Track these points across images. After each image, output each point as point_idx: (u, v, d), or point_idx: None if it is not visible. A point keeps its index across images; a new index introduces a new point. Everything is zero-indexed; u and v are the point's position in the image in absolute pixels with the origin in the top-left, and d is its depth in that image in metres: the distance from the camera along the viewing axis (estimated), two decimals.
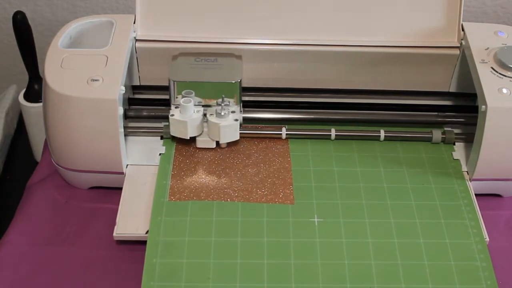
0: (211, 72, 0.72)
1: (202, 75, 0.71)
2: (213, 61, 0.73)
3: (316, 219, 0.66)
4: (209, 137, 0.72)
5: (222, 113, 0.70)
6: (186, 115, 0.70)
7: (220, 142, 0.72)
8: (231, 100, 0.71)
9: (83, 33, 0.76)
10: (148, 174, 0.70)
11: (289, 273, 0.61)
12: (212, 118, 0.70)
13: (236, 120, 0.71)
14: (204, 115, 0.71)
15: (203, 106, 0.72)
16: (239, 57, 0.74)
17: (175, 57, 0.74)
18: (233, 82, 0.71)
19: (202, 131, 0.72)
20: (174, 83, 0.71)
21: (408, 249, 0.63)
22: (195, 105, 0.71)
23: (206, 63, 0.73)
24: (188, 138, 0.71)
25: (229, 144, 0.73)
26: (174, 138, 0.74)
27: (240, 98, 0.72)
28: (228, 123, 0.70)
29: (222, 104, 0.70)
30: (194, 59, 0.73)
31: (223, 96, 0.71)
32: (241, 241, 0.63)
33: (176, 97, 0.71)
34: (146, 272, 0.61)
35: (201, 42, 0.75)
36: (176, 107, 0.71)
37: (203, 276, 0.61)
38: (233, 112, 0.71)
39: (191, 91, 0.71)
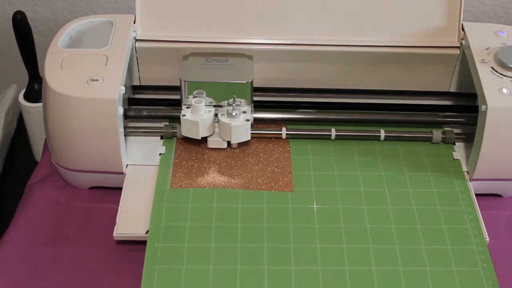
0: (222, 72, 0.72)
1: (213, 75, 0.71)
2: (224, 61, 0.73)
3: (315, 206, 0.67)
4: (221, 137, 0.72)
5: (234, 113, 0.70)
6: (197, 115, 0.70)
7: (232, 142, 0.72)
8: (243, 100, 0.71)
9: (83, 33, 0.76)
10: (148, 174, 0.70)
11: (289, 256, 0.62)
12: (223, 118, 0.70)
13: (248, 120, 0.71)
14: (216, 115, 0.71)
15: (214, 106, 0.72)
16: (250, 57, 0.74)
17: (186, 57, 0.74)
18: (245, 82, 0.71)
19: (214, 131, 0.72)
20: (185, 83, 0.71)
21: (405, 233, 0.65)
22: (206, 105, 0.71)
23: (217, 63, 0.73)
24: (200, 138, 0.71)
25: (240, 144, 0.73)
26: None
27: (252, 98, 0.72)
28: (240, 123, 0.70)
29: (234, 104, 0.70)
30: (205, 59, 0.73)
31: (234, 96, 0.71)
32: (241, 226, 0.65)
33: (187, 97, 0.71)
34: (148, 255, 0.62)
35: (201, 42, 0.75)
36: (187, 107, 0.71)
37: (204, 259, 0.62)
38: (244, 112, 0.71)
39: (202, 91, 0.71)
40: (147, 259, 0.62)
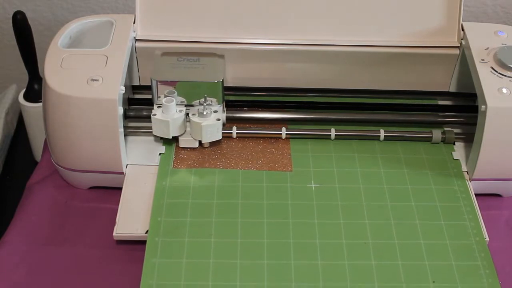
0: (193, 71, 0.72)
1: (184, 75, 0.72)
2: (196, 60, 0.73)
3: (313, 185, 0.69)
4: (192, 137, 0.72)
5: (204, 113, 0.70)
6: (168, 115, 0.70)
7: (202, 142, 0.72)
8: (214, 100, 0.71)
9: (83, 33, 0.76)
10: (148, 174, 0.70)
11: (288, 230, 0.64)
12: (194, 118, 0.70)
13: (219, 119, 0.71)
14: (187, 114, 0.71)
15: (185, 105, 0.72)
16: (221, 56, 0.74)
17: (157, 57, 0.74)
18: (216, 81, 0.71)
19: (185, 131, 0.72)
20: (156, 82, 0.71)
21: (400, 210, 0.66)
22: (177, 104, 0.71)
23: (188, 62, 0.73)
24: (171, 137, 0.71)
25: (212, 144, 0.73)
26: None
27: (223, 97, 0.72)
28: (210, 123, 0.70)
29: (205, 104, 0.70)
30: (176, 59, 0.73)
31: (206, 95, 0.71)
32: (242, 203, 0.67)
33: (159, 97, 0.71)
34: (151, 230, 0.64)
35: (202, 42, 0.75)
36: (158, 107, 0.71)
37: (205, 233, 0.64)
38: (215, 111, 0.71)
39: (173, 90, 0.71)
40: (150, 232, 0.63)
